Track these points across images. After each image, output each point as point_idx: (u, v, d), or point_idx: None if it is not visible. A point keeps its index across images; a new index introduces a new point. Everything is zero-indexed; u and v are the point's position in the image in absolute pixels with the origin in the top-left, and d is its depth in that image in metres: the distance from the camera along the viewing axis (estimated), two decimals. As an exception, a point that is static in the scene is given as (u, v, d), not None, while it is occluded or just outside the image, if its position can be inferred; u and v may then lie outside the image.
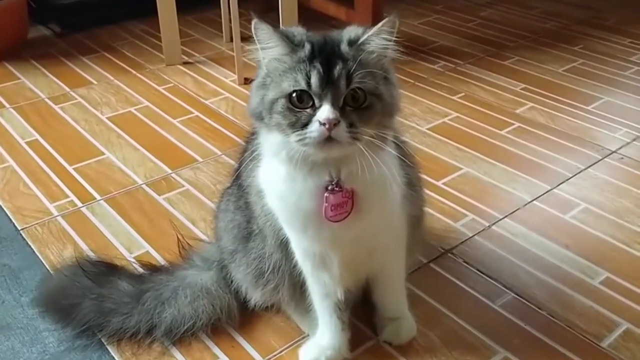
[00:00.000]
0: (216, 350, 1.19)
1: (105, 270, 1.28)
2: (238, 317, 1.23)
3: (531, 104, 2.10)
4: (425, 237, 1.34)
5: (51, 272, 1.36)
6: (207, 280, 1.24)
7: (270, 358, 1.18)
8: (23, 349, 1.21)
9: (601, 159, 1.78)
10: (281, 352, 1.19)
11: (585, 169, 1.74)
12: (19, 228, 1.52)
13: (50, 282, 1.31)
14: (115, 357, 1.18)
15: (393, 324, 1.20)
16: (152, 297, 1.21)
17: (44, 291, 1.29)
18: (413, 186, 1.13)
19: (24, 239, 1.48)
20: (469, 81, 2.26)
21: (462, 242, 1.47)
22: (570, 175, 1.71)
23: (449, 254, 1.43)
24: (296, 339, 1.21)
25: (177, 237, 1.38)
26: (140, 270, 1.32)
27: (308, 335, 1.20)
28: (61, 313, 1.23)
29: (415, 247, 1.26)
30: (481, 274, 1.37)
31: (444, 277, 1.37)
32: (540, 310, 1.28)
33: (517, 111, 2.05)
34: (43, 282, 1.33)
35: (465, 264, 1.40)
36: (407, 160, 1.08)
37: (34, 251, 1.45)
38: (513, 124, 1.97)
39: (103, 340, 1.20)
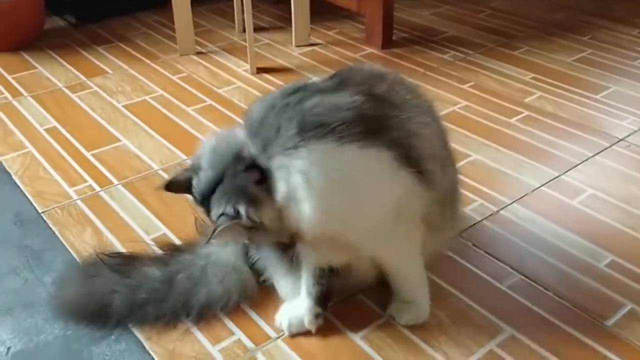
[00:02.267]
0: (235, 329, 1.23)
1: (126, 261, 1.30)
2: (257, 289, 1.28)
3: (540, 93, 2.12)
4: (461, 213, 1.35)
5: (70, 276, 1.34)
6: (229, 256, 1.28)
7: (284, 334, 1.21)
8: (46, 325, 1.26)
9: (609, 147, 1.81)
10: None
11: (592, 156, 1.77)
12: (40, 211, 1.57)
13: (73, 288, 1.29)
14: (134, 332, 1.22)
15: (402, 303, 1.24)
16: (184, 278, 1.23)
17: (67, 300, 1.27)
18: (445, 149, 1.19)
19: (45, 222, 1.53)
20: (478, 71, 2.29)
21: (471, 225, 1.50)
22: (578, 162, 1.74)
23: (458, 237, 1.46)
24: (309, 317, 1.25)
25: (195, 216, 1.42)
26: (160, 251, 1.35)
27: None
28: (93, 317, 1.22)
29: (449, 225, 1.27)
30: (489, 256, 1.41)
31: (453, 259, 1.40)
32: (546, 291, 1.31)
33: (526, 100, 2.08)
34: (63, 288, 1.31)
35: (473, 246, 1.44)
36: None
37: (54, 233, 1.49)
38: (522, 113, 2.00)
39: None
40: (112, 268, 1.26)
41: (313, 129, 0.97)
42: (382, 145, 1.01)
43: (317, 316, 1.20)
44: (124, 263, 1.29)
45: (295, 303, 1.21)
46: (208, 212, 1.05)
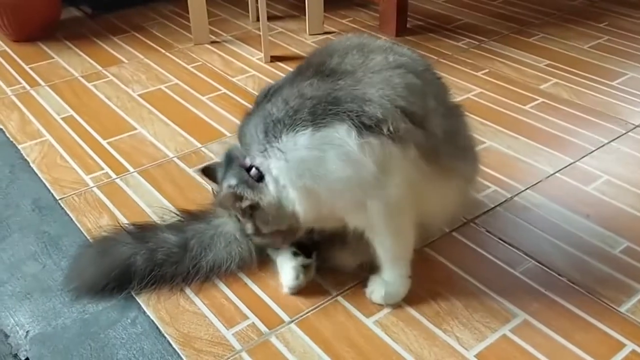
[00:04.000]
0: (249, 313, 1.25)
1: (145, 229, 1.38)
2: (256, 261, 1.35)
3: (555, 80, 2.11)
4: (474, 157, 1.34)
5: (88, 251, 1.39)
6: (234, 229, 1.33)
7: (297, 319, 1.23)
8: (64, 309, 1.28)
9: (624, 133, 1.80)
10: (307, 313, 1.24)
11: (608, 143, 1.76)
12: (57, 198, 1.59)
13: (92, 260, 1.34)
14: (150, 315, 1.24)
15: (380, 280, 1.25)
16: (197, 244, 1.32)
17: (87, 270, 1.32)
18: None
19: (62, 208, 1.55)
20: (493, 58, 2.28)
21: (485, 212, 1.50)
22: (593, 149, 1.73)
23: (472, 224, 1.46)
24: (322, 301, 1.26)
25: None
26: (177, 217, 1.42)
27: (332, 293, 1.28)
28: (115, 281, 1.28)
29: (462, 166, 1.27)
30: (502, 242, 1.41)
31: (466, 245, 1.40)
32: (560, 277, 1.31)
33: (541, 87, 2.07)
34: (82, 262, 1.36)
35: (487, 233, 1.44)
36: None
37: (72, 219, 1.52)
38: (537, 100, 1.99)
39: (139, 298, 1.28)
40: (132, 235, 1.34)
41: (273, 128, 1.09)
42: (334, 121, 1.06)
43: (305, 267, 1.27)
44: (143, 231, 1.37)
45: (285, 268, 1.29)
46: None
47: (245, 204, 1.15)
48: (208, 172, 1.30)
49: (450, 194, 1.26)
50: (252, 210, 1.17)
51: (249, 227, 1.20)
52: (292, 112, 1.08)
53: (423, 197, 1.17)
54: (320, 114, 1.07)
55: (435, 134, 1.15)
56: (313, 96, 1.09)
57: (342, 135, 1.05)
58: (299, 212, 1.13)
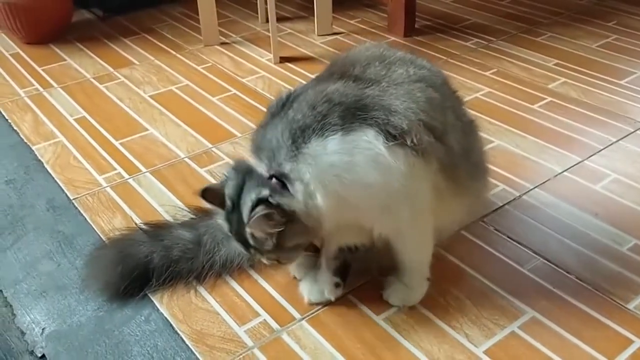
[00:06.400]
0: (260, 310, 1.27)
1: (159, 227, 1.40)
2: None
3: (564, 79, 2.11)
4: (485, 175, 1.35)
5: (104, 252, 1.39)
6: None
7: (308, 316, 1.25)
8: (79, 306, 1.30)
9: (633, 132, 1.80)
10: (318, 310, 1.26)
11: (616, 142, 1.76)
12: (71, 198, 1.62)
13: (110, 261, 1.34)
14: (164, 313, 1.26)
15: (398, 283, 1.27)
16: (210, 238, 1.34)
17: (107, 272, 1.32)
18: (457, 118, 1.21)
19: (76, 208, 1.58)
20: (501, 57, 2.28)
21: (493, 210, 1.51)
22: (602, 148, 1.74)
23: (480, 222, 1.47)
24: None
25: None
26: (189, 215, 1.45)
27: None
28: (134, 280, 1.30)
29: (472, 187, 1.28)
30: (511, 241, 1.42)
31: (475, 243, 1.42)
32: (568, 275, 1.32)
33: (550, 86, 2.08)
34: (99, 263, 1.37)
35: (495, 231, 1.45)
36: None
37: (86, 219, 1.54)
38: (545, 99, 2.00)
39: (152, 295, 1.30)
40: (148, 234, 1.37)
41: (301, 134, 1.07)
42: (363, 125, 1.06)
43: (336, 286, 1.26)
44: (157, 229, 1.40)
45: (316, 275, 1.27)
46: (238, 225, 1.12)
47: (280, 217, 1.06)
48: (209, 194, 1.16)
49: (459, 210, 1.28)
50: (285, 221, 1.07)
51: (269, 244, 1.10)
52: (321, 117, 1.07)
53: (435, 212, 1.18)
54: (349, 118, 1.07)
55: (453, 149, 1.16)
56: (341, 102, 1.08)
57: (371, 138, 1.06)
58: (324, 218, 1.10)
